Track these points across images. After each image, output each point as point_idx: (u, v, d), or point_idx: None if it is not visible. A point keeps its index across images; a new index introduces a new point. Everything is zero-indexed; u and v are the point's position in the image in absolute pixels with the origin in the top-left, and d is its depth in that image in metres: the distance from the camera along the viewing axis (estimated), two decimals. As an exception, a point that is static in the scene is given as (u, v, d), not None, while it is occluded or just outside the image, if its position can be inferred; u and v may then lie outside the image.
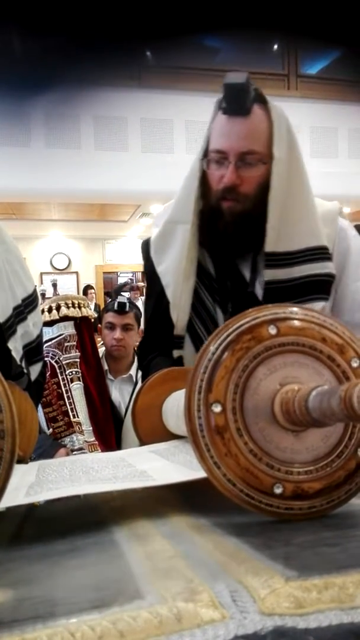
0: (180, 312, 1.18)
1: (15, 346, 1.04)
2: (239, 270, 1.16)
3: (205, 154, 1.11)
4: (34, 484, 0.65)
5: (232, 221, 1.10)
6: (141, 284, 7.92)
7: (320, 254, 1.12)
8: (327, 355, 0.55)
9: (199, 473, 0.55)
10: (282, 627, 0.35)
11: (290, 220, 1.10)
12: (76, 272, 11.08)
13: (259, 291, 1.13)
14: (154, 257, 1.25)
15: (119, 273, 11.66)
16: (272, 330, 0.54)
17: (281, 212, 1.09)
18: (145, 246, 1.28)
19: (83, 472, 0.69)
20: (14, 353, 1.03)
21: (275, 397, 0.53)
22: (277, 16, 5.93)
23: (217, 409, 0.52)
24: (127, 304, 2.35)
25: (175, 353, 1.20)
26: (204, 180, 1.13)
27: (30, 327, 1.11)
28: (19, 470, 0.71)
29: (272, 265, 1.10)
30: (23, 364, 1.08)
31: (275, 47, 7.66)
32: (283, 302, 1.07)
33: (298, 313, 0.56)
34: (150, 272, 1.26)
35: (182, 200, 1.18)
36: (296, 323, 0.55)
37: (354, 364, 0.55)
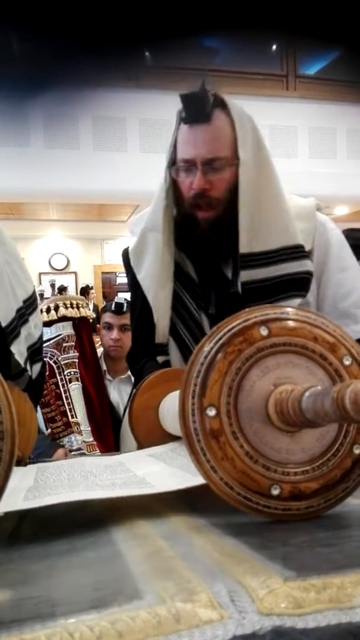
0: (159, 321, 1.19)
1: (19, 349, 1.04)
2: (222, 271, 1.17)
3: (174, 162, 1.12)
4: (32, 488, 0.65)
5: (207, 228, 1.11)
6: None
7: (297, 252, 1.12)
8: (320, 354, 0.55)
9: (197, 479, 0.55)
10: (280, 627, 0.35)
11: (262, 220, 1.10)
12: (75, 272, 11.07)
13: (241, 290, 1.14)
14: (134, 266, 1.26)
15: (117, 273, 11.63)
16: (264, 331, 0.54)
17: (252, 213, 1.09)
18: (126, 256, 1.29)
19: (81, 476, 0.69)
20: (17, 356, 1.03)
21: (269, 398, 0.53)
22: (275, 17, 5.93)
23: (211, 412, 0.52)
24: (125, 305, 2.35)
25: (161, 358, 1.21)
26: (175, 189, 1.14)
27: (32, 328, 1.11)
28: (17, 472, 0.71)
29: (247, 266, 1.11)
30: (28, 366, 1.07)
31: (274, 47, 7.65)
32: (260, 301, 1.08)
33: (289, 313, 0.56)
34: (132, 281, 1.26)
35: (154, 210, 1.19)
36: (287, 323, 0.55)
37: (346, 362, 0.55)
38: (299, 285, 1.13)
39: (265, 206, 1.11)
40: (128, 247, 1.29)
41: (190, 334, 1.18)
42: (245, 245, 1.10)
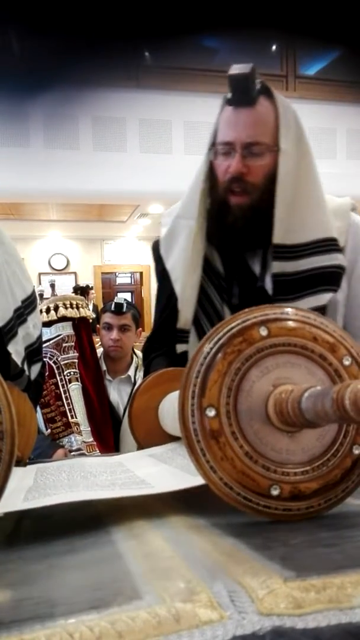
0: (185, 305, 1.18)
1: (17, 349, 1.04)
2: (248, 266, 1.16)
3: (213, 145, 1.11)
4: (32, 488, 0.64)
5: (241, 216, 1.10)
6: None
7: (329, 245, 1.11)
8: (319, 354, 0.55)
9: (197, 479, 0.55)
10: (280, 628, 0.35)
11: (298, 212, 1.10)
12: (74, 273, 11.07)
13: (268, 286, 1.13)
14: (163, 254, 1.25)
15: (117, 273, 11.65)
16: (263, 331, 0.54)
17: (289, 204, 1.08)
18: (156, 246, 1.28)
19: (81, 477, 0.69)
20: (14, 356, 1.03)
21: (268, 399, 0.53)
22: (275, 17, 5.93)
23: (211, 413, 0.52)
24: (125, 305, 2.35)
25: (180, 348, 1.20)
26: (211, 174, 1.13)
27: (30, 328, 1.11)
28: (17, 473, 0.71)
29: (280, 257, 1.10)
30: (25, 366, 1.07)
31: (274, 47, 7.65)
32: (290, 295, 1.08)
33: (288, 313, 0.56)
34: (160, 270, 1.26)
35: (190, 196, 1.18)
36: (287, 323, 0.55)
37: (346, 362, 0.55)
38: (329, 279, 1.11)
39: (302, 198, 1.10)
40: (158, 239, 1.28)
41: (211, 326, 1.17)
42: (279, 236, 1.09)
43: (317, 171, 1.13)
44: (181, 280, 1.19)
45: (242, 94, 1.05)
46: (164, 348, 1.24)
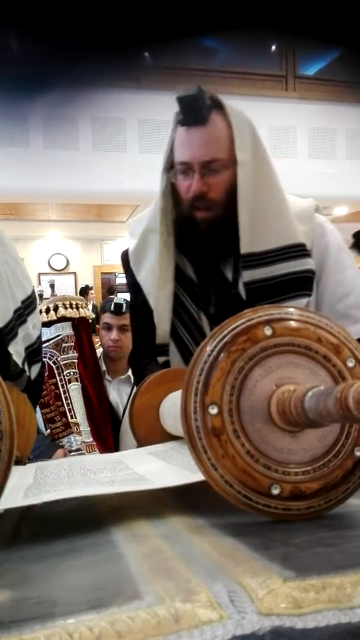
0: (160, 321, 1.19)
1: (17, 349, 1.04)
2: (222, 272, 1.17)
3: (172, 165, 1.13)
4: (32, 485, 0.65)
5: (206, 229, 1.12)
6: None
7: (298, 251, 1.13)
8: (323, 355, 0.55)
9: (197, 476, 0.55)
10: (280, 628, 0.35)
11: (262, 220, 1.11)
12: (74, 273, 11.07)
13: (243, 291, 1.14)
14: (133, 267, 1.26)
15: (116, 273, 11.64)
16: (268, 331, 0.54)
17: (252, 213, 1.09)
18: (125, 257, 1.29)
19: (81, 474, 0.69)
20: (15, 357, 1.03)
21: (271, 398, 0.53)
22: (275, 17, 5.93)
23: (213, 410, 0.52)
24: (124, 305, 2.35)
25: (161, 359, 1.21)
26: (173, 191, 1.15)
27: (30, 329, 1.11)
28: (16, 471, 0.71)
29: (249, 266, 1.11)
30: (25, 366, 1.07)
31: (273, 48, 7.65)
32: (265, 301, 1.08)
33: (293, 314, 0.56)
34: (132, 282, 1.27)
35: (155, 210, 1.20)
36: (291, 324, 0.55)
37: (350, 364, 0.55)
38: (302, 285, 1.13)
39: (264, 206, 1.11)
40: (127, 249, 1.29)
41: (189, 335, 1.18)
42: (246, 245, 1.10)
43: (277, 178, 1.14)
44: (154, 294, 1.20)
45: (193, 115, 1.06)
46: (149, 358, 1.24)
